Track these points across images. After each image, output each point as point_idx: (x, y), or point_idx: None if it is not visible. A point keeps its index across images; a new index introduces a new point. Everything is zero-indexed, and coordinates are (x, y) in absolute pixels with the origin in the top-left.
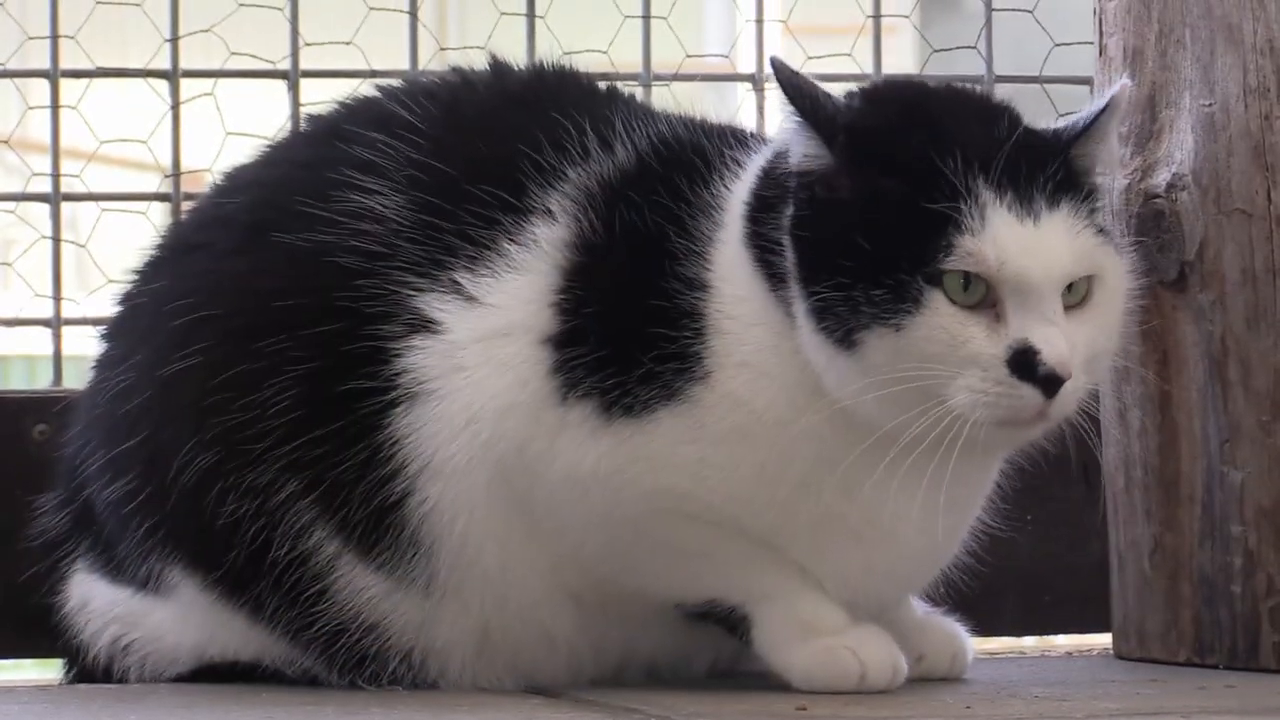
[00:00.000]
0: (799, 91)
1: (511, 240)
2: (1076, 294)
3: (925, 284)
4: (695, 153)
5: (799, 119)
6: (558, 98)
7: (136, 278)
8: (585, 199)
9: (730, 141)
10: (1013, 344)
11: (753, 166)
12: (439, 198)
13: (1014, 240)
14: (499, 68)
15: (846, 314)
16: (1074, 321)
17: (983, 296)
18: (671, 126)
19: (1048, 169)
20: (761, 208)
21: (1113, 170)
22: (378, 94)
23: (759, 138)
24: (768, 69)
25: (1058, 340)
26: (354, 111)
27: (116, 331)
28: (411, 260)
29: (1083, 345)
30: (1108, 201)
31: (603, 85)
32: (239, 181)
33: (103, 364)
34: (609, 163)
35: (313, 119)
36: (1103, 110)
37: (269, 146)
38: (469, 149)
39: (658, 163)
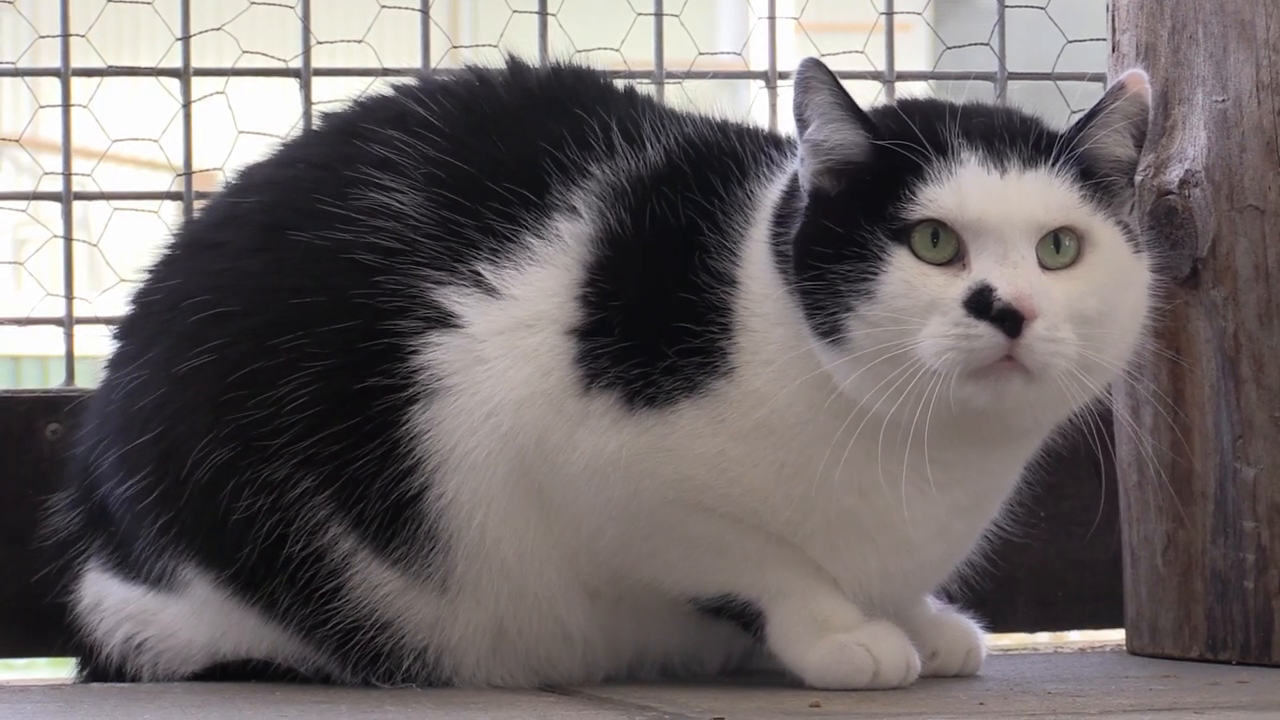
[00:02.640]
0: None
1: (534, 235)
2: (1066, 254)
3: (889, 240)
4: (728, 152)
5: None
6: (577, 96)
7: (150, 276)
8: (612, 195)
9: (765, 143)
10: (971, 285)
11: (789, 170)
12: (459, 194)
13: (977, 185)
14: (516, 66)
15: (827, 300)
16: (1060, 279)
17: (953, 253)
18: (698, 126)
19: (1030, 138)
20: (781, 217)
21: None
22: (393, 92)
23: (792, 143)
24: (781, 66)
25: (1018, 279)
26: (370, 110)
27: (130, 329)
28: (431, 255)
29: (1063, 299)
30: (1136, 202)
31: (620, 85)
32: (254, 180)
33: (116, 361)
34: (637, 160)
35: (327, 117)
36: (1106, 95)
37: (283, 145)
38: (488, 146)
39: (690, 160)
